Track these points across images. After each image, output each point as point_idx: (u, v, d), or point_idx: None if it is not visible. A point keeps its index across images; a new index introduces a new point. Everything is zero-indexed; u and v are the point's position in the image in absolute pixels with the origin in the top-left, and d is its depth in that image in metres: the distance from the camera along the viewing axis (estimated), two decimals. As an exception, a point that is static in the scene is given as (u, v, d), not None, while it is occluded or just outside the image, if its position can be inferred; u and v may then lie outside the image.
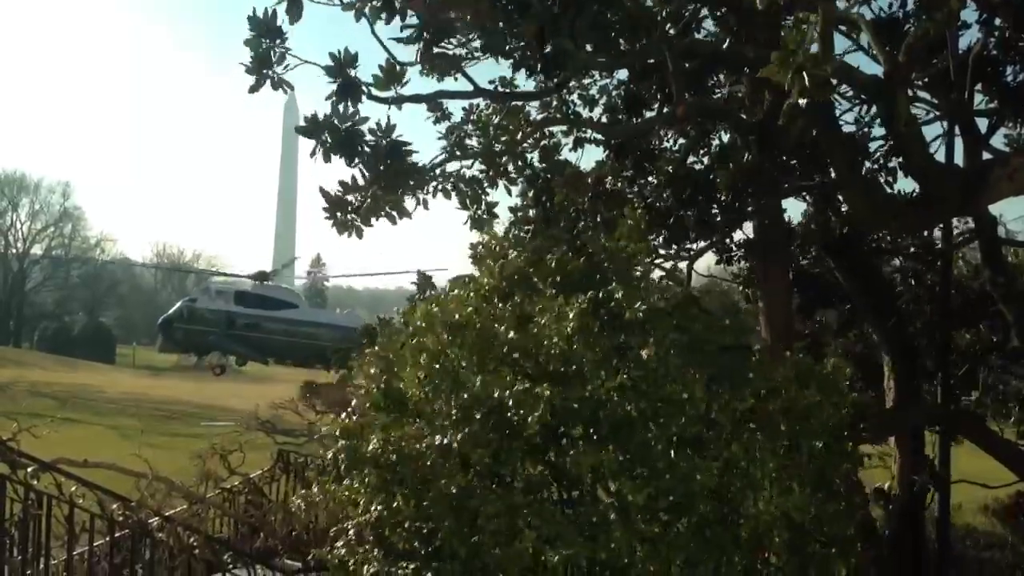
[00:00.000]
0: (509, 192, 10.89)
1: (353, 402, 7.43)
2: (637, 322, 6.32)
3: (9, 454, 8.69)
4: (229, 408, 29.96)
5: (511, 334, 6.56)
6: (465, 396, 6.31)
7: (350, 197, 8.87)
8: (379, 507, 6.35)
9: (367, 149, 8.71)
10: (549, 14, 8.42)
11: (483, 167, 9.78)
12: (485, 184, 9.88)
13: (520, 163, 10.87)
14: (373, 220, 8.94)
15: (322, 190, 8.98)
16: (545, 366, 6.37)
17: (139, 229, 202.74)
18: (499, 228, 11.29)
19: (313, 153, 8.65)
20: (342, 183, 8.89)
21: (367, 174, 8.74)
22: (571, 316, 6.23)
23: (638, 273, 7.08)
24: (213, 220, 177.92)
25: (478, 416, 6.23)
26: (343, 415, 7.31)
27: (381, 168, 8.64)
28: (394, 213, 8.97)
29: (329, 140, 8.61)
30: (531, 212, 11.57)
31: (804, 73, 5.48)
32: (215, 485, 10.37)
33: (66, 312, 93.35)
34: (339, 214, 8.93)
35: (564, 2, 8.34)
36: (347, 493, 6.68)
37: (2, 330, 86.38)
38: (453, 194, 9.74)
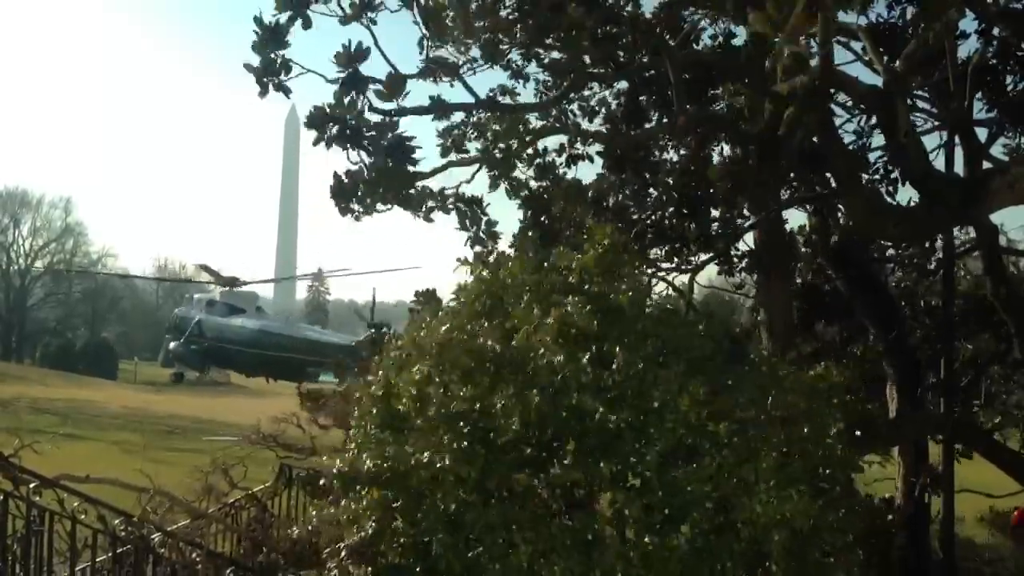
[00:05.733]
0: (510, 196, 10.89)
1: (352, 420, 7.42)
2: (616, 333, 6.30)
3: (11, 470, 8.65)
4: (231, 423, 29.86)
5: (498, 347, 6.56)
6: (452, 407, 6.30)
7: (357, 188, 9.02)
8: (375, 524, 6.33)
9: (372, 142, 8.86)
10: None
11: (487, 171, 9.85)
12: (485, 197, 9.94)
13: (515, 183, 10.93)
14: (379, 206, 9.08)
15: (336, 174, 9.09)
16: (531, 378, 6.35)
17: (141, 244, 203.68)
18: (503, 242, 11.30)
19: (315, 143, 8.78)
20: (348, 172, 9.04)
21: (371, 164, 8.89)
22: (548, 329, 6.23)
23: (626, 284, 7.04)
24: (216, 235, 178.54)
25: (466, 430, 6.22)
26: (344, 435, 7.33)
27: (385, 161, 8.78)
28: (389, 207, 9.08)
29: (335, 131, 8.75)
30: (529, 234, 11.50)
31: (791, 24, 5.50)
32: (217, 500, 10.34)
33: (68, 328, 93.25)
34: (344, 199, 9.08)
35: None
36: (345, 515, 6.66)
37: (4, 346, 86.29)
38: (453, 212, 9.80)
